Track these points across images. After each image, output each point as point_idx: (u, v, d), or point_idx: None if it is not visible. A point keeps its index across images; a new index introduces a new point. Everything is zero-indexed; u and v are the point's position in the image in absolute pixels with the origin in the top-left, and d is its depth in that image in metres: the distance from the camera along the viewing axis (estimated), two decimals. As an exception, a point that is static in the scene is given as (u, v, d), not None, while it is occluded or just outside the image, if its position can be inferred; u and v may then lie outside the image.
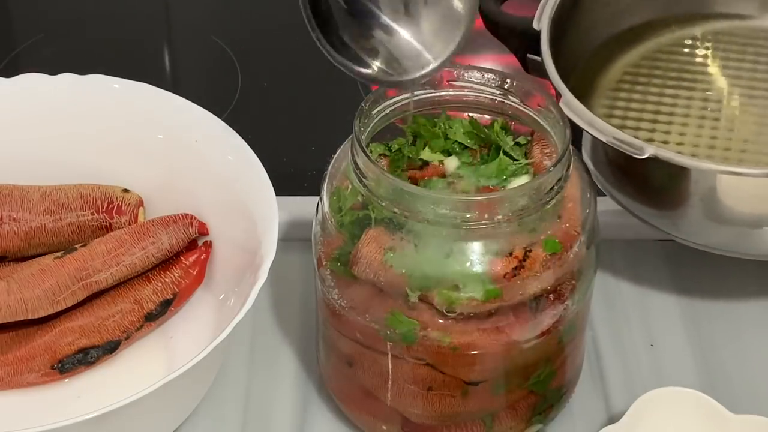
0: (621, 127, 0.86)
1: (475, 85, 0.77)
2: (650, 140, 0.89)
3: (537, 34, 0.88)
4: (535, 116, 0.75)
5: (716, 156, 0.88)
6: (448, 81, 0.77)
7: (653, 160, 0.79)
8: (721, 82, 0.95)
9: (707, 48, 0.97)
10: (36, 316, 0.81)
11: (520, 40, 0.90)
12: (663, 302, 0.90)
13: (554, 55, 0.87)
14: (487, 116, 0.77)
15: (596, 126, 0.81)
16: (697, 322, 0.88)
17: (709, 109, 0.92)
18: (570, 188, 0.74)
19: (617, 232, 0.91)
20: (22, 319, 0.81)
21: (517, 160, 0.75)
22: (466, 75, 0.77)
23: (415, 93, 0.76)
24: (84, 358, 0.81)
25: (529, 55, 0.89)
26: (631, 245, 0.93)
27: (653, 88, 0.94)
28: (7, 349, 0.82)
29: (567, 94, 0.84)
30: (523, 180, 0.74)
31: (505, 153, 0.75)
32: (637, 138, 0.81)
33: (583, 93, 0.79)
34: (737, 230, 0.83)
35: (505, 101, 0.76)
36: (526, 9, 0.91)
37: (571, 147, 0.73)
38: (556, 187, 0.72)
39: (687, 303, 0.90)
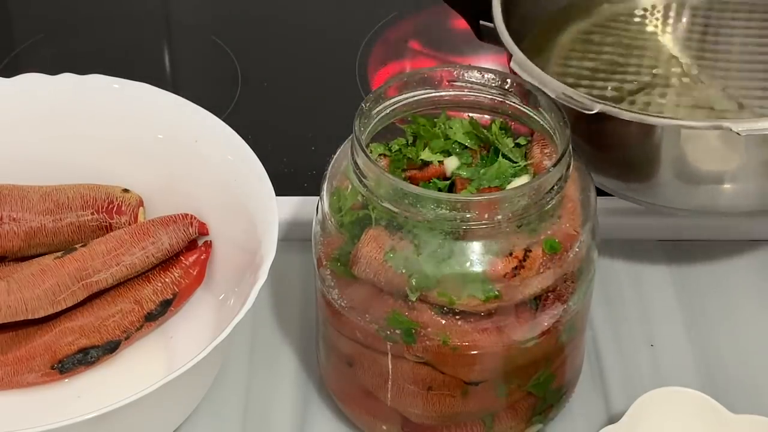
0: None
1: (475, 85, 0.77)
2: None
3: (489, 1, 0.89)
4: (535, 116, 0.75)
5: None
6: (448, 81, 0.77)
7: (605, 121, 0.80)
8: (672, 49, 0.95)
9: (658, 17, 0.98)
10: (36, 316, 0.81)
11: (472, 7, 0.91)
12: (663, 302, 0.90)
13: (506, 21, 0.87)
14: (487, 116, 0.77)
15: (547, 83, 0.81)
16: (697, 322, 0.88)
17: (659, 76, 0.93)
18: (570, 188, 0.74)
19: (617, 232, 0.91)
20: (22, 319, 0.81)
21: (516, 163, 0.75)
22: (466, 75, 0.77)
23: (415, 93, 0.76)
24: (84, 358, 0.81)
25: (482, 22, 0.90)
26: (631, 245, 0.93)
27: (605, 56, 0.94)
28: (7, 349, 0.82)
29: (518, 53, 0.84)
30: (523, 180, 0.74)
31: (504, 156, 0.76)
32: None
33: (535, 60, 0.80)
34: (689, 187, 0.84)
35: (505, 101, 0.76)
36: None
37: (571, 147, 0.73)
38: (556, 187, 0.72)
39: (687, 303, 0.90)
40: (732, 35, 0.97)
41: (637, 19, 0.98)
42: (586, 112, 0.80)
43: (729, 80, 0.92)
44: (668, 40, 0.97)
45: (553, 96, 0.79)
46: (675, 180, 0.83)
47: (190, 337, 0.84)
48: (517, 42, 0.86)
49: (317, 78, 1.08)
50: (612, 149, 0.84)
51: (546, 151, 0.75)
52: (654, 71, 0.93)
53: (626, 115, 0.80)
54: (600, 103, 0.80)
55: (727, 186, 0.83)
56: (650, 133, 0.81)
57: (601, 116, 0.80)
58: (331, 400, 0.83)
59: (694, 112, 0.90)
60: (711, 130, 0.80)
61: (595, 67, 0.93)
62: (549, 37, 0.96)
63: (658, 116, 0.82)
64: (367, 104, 0.75)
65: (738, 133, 0.78)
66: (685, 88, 0.92)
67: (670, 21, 0.98)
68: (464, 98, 0.77)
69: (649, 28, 0.97)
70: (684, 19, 0.98)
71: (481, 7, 0.89)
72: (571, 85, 0.83)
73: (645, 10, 0.98)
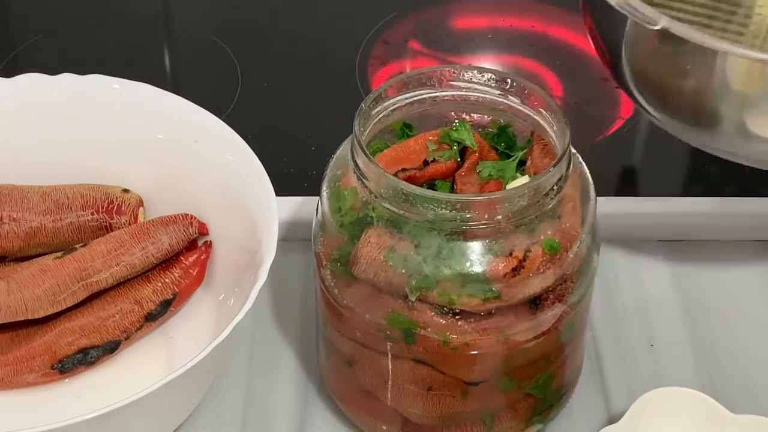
0: None
1: (474, 85, 0.77)
2: None
3: None
4: (535, 116, 0.75)
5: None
6: (448, 81, 0.77)
7: (668, 43, 0.72)
8: None
9: None
10: (36, 316, 0.81)
11: None
12: (663, 302, 0.90)
13: None
14: (487, 116, 0.77)
15: None
16: (697, 322, 0.88)
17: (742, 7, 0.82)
18: (570, 188, 0.74)
19: (617, 232, 0.91)
20: (22, 319, 0.81)
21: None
22: (466, 75, 0.77)
23: (415, 93, 0.76)
24: (84, 358, 0.81)
25: None
26: (631, 245, 0.93)
27: None
28: (7, 349, 0.82)
29: None
30: (523, 180, 0.74)
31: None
32: None
33: None
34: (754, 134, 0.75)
35: (505, 101, 0.76)
36: None
37: (571, 147, 0.73)
38: (556, 187, 0.72)
39: (687, 303, 0.90)
40: None
41: None
42: (649, 26, 0.72)
43: None
44: None
45: (615, 5, 0.72)
46: (741, 123, 0.74)
47: (190, 337, 0.84)
48: None
49: (317, 78, 1.08)
50: (670, 80, 0.75)
51: (546, 151, 0.75)
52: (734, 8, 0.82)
53: (692, 36, 0.71)
54: (665, 17, 0.71)
55: None
56: (716, 62, 0.71)
57: (665, 36, 0.71)
58: (331, 400, 0.83)
59: None
60: None
61: None
62: None
63: (730, 43, 0.71)
64: (367, 104, 0.75)
65: None
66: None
67: None
68: (464, 98, 0.77)
69: None
70: None
71: None
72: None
73: None
